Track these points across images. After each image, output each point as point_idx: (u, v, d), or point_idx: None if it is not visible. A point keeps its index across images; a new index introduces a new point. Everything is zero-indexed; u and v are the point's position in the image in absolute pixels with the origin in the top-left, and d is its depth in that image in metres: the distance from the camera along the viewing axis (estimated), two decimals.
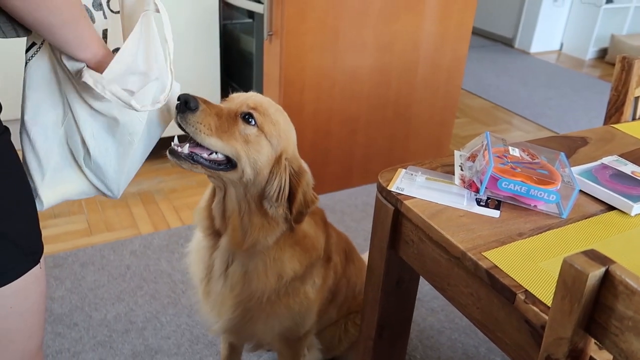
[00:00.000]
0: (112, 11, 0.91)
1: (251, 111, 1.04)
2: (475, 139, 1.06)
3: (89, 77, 0.79)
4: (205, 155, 1.02)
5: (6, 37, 0.71)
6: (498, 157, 0.97)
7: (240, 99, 1.09)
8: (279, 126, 1.07)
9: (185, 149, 1.01)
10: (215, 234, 1.19)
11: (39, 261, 0.79)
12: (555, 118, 3.79)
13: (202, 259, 1.23)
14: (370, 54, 2.44)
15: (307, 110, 2.41)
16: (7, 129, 0.73)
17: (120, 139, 0.93)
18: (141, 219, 2.34)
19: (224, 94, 2.86)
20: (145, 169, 2.72)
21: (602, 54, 5.31)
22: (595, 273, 0.56)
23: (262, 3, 2.30)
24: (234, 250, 1.14)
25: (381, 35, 2.43)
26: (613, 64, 5.13)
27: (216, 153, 1.02)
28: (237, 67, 2.84)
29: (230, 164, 1.04)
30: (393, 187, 0.97)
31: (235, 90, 2.88)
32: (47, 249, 2.12)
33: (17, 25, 0.71)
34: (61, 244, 2.14)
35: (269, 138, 1.05)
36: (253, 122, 1.04)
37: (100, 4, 0.89)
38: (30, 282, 0.78)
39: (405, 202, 0.94)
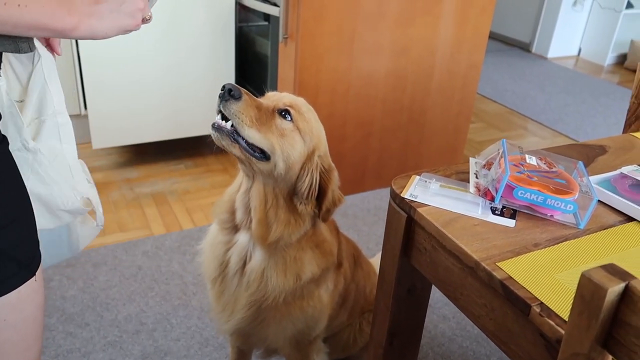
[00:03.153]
0: None
1: (288, 108, 1.08)
2: (491, 146, 1.04)
3: None
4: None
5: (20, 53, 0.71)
6: (514, 165, 0.95)
7: (276, 97, 1.13)
8: (311, 124, 1.11)
9: (228, 125, 1.04)
10: (233, 229, 1.19)
11: (35, 273, 0.78)
12: (572, 124, 3.74)
13: (216, 255, 1.23)
14: (386, 58, 2.43)
15: (322, 113, 2.36)
16: (4, 138, 0.72)
17: None
18: (154, 220, 2.35)
19: None
20: (159, 169, 2.73)
21: (622, 59, 5.24)
22: (615, 288, 0.55)
23: (278, 6, 2.30)
24: (257, 244, 1.15)
25: (397, 40, 2.41)
26: (633, 70, 5.05)
27: None
28: (252, 70, 2.84)
29: (264, 154, 1.07)
30: (407, 194, 0.95)
31: (249, 92, 2.89)
32: None
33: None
34: None
35: (303, 135, 1.09)
36: (289, 118, 1.08)
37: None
38: (26, 294, 0.76)
39: (419, 209, 0.92)
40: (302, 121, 1.09)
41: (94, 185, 1.10)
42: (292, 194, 1.12)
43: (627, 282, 0.55)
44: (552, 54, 5.28)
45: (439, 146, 2.82)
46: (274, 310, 1.19)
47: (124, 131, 2.57)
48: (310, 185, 1.10)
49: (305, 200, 1.11)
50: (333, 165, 1.16)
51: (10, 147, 0.82)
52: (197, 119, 2.67)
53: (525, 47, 5.51)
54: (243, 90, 1.04)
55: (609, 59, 5.20)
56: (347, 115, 2.47)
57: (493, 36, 5.73)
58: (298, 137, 1.08)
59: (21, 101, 0.91)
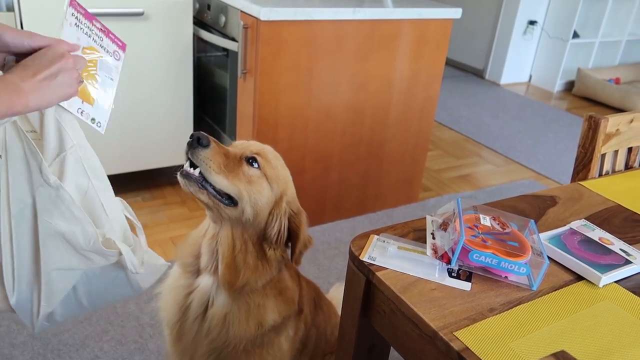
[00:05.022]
0: None
1: (255, 155, 1.12)
2: (447, 205, 1.07)
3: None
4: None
5: None
6: (469, 227, 0.98)
7: (244, 145, 1.17)
8: (278, 171, 1.15)
9: (197, 172, 1.06)
10: (195, 272, 1.19)
11: None
12: (525, 151, 3.86)
13: (177, 299, 1.22)
14: (344, 93, 2.46)
15: (281, 147, 2.40)
16: None
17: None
18: None
19: (197, 128, 2.83)
20: None
21: (570, 86, 5.46)
22: None
23: (237, 41, 2.30)
24: (223, 289, 1.15)
25: (355, 74, 2.45)
26: (580, 97, 5.28)
27: None
28: (211, 102, 2.83)
29: (232, 200, 1.09)
30: (365, 257, 0.96)
31: (208, 124, 2.87)
32: None
33: None
34: None
35: (270, 181, 1.12)
36: (256, 165, 1.10)
37: None
38: None
39: (377, 273, 0.93)
40: (269, 168, 1.13)
41: (141, 226, 1.12)
42: (261, 239, 1.14)
43: None
44: (504, 80, 5.46)
45: (397, 177, 2.86)
46: (234, 358, 1.18)
47: None
48: (279, 231, 1.12)
49: (275, 245, 1.13)
50: (302, 208, 1.18)
51: (33, 184, 0.91)
52: (155, 151, 2.63)
53: (479, 74, 5.68)
54: (211, 138, 1.08)
55: (558, 85, 5.41)
56: (306, 148, 2.48)
57: (449, 62, 5.89)
58: (265, 184, 1.11)
59: (33, 131, 0.94)
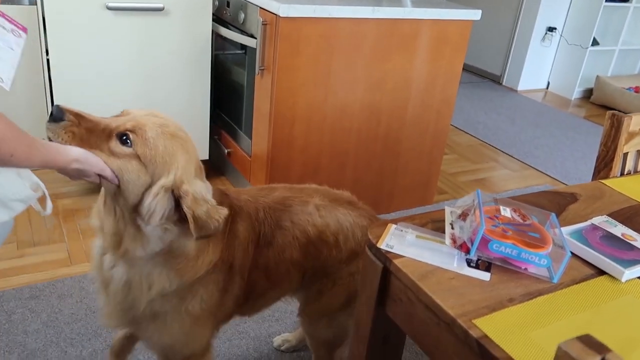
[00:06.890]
0: None
1: (128, 132, 1.03)
2: (466, 196, 1.05)
3: None
4: None
5: None
6: (489, 217, 0.96)
7: (127, 117, 1.07)
8: (156, 151, 1.04)
9: None
10: None
11: None
12: (541, 158, 3.82)
13: (97, 264, 1.22)
14: (361, 91, 2.45)
15: (297, 144, 2.40)
16: None
17: None
18: None
19: (213, 125, 2.84)
20: None
21: (588, 94, 5.41)
22: None
23: (255, 38, 2.31)
24: (111, 254, 1.14)
25: (373, 73, 2.44)
26: (598, 105, 5.22)
27: None
28: (228, 99, 2.84)
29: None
30: (382, 245, 0.95)
31: (224, 121, 2.88)
32: (25, 279, 2.06)
33: None
34: (40, 274, 2.09)
35: (144, 161, 1.03)
36: (129, 144, 1.02)
37: None
38: None
39: (395, 261, 0.92)
40: (144, 148, 1.03)
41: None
42: (135, 212, 1.07)
43: (603, 356, 0.55)
44: (522, 86, 5.42)
45: (412, 178, 2.84)
46: (144, 322, 1.20)
47: None
48: (148, 211, 1.05)
49: (147, 222, 1.06)
50: (189, 189, 1.06)
51: None
52: None
53: (496, 80, 5.65)
54: (73, 112, 1.02)
55: (576, 93, 5.36)
56: (322, 146, 2.47)
57: (466, 68, 5.86)
58: (135, 163, 1.03)
59: None
